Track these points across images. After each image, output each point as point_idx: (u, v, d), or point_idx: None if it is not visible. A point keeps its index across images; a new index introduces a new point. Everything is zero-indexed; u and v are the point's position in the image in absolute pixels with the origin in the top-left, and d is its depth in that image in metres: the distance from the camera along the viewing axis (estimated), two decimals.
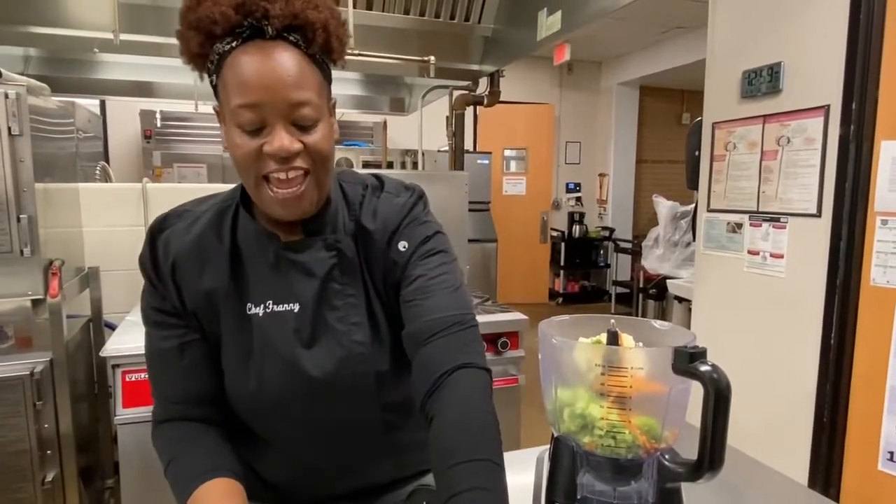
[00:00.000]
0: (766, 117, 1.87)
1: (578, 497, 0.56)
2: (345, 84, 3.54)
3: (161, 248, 0.78)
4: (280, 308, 0.77)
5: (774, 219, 1.86)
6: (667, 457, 0.54)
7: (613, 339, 0.55)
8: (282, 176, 0.69)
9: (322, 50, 0.71)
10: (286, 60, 0.66)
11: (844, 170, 1.64)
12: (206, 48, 0.68)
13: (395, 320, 0.80)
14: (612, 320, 0.56)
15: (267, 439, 0.83)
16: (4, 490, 1.63)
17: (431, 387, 0.70)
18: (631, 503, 0.55)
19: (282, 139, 0.67)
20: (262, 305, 0.77)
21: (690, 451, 0.53)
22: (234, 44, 0.66)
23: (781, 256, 1.84)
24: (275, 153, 0.67)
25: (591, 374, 0.53)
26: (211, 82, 0.72)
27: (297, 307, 0.77)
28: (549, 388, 0.57)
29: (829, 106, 1.67)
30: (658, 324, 0.60)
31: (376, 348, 0.79)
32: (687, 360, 0.49)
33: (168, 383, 0.80)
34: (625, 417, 0.52)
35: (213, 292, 0.77)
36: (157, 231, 0.79)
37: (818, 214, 1.71)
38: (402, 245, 0.79)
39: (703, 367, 0.49)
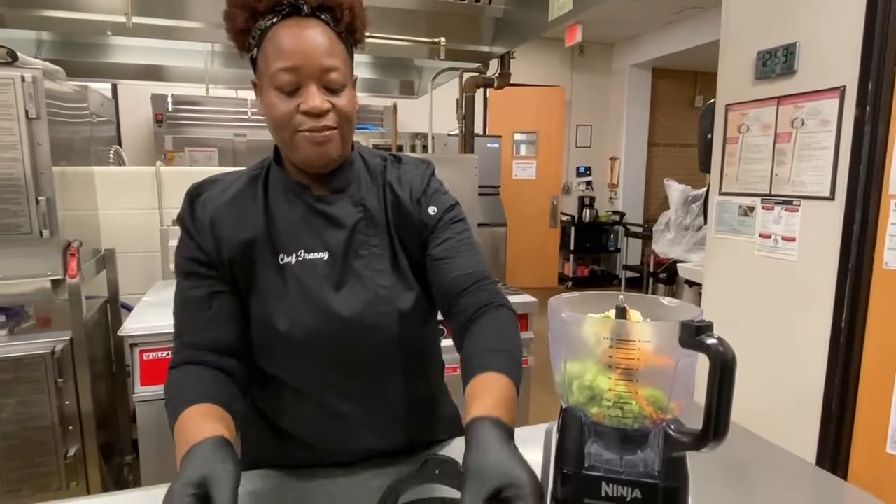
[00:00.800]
0: (780, 99, 1.85)
1: (586, 465, 0.57)
2: (355, 67, 3.53)
3: (200, 207, 0.86)
4: (311, 256, 0.85)
5: (787, 202, 1.85)
6: (672, 427, 0.55)
7: (622, 314, 0.56)
8: (315, 130, 0.80)
9: (347, 29, 0.82)
10: (319, 33, 0.78)
11: (859, 152, 1.62)
12: (249, 24, 0.79)
13: (416, 267, 0.90)
14: (621, 296, 0.57)
15: (292, 386, 0.88)
16: (29, 463, 1.69)
17: (467, 320, 0.82)
18: (637, 471, 0.56)
19: (315, 98, 0.78)
20: (294, 255, 0.85)
21: (697, 426, 0.55)
22: (274, 20, 0.78)
23: (793, 239, 1.83)
24: (309, 110, 0.78)
25: (600, 348, 0.55)
26: (251, 56, 0.82)
27: (326, 255, 0.85)
28: (559, 362, 0.58)
29: (844, 87, 1.65)
30: (666, 300, 0.62)
31: (398, 292, 0.87)
32: (693, 334, 0.50)
33: (192, 329, 0.85)
34: (632, 389, 0.54)
35: (249, 243, 0.84)
36: (195, 194, 0.88)
37: (831, 197, 1.70)
38: (432, 209, 0.90)
39: (710, 340, 0.50)
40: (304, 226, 0.86)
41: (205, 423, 0.71)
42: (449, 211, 0.91)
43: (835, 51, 1.68)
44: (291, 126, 0.79)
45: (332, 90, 0.80)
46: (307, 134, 0.79)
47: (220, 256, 0.84)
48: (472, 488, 0.56)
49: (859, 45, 1.60)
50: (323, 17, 0.80)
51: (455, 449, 0.99)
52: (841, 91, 1.66)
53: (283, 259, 0.85)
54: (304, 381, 0.88)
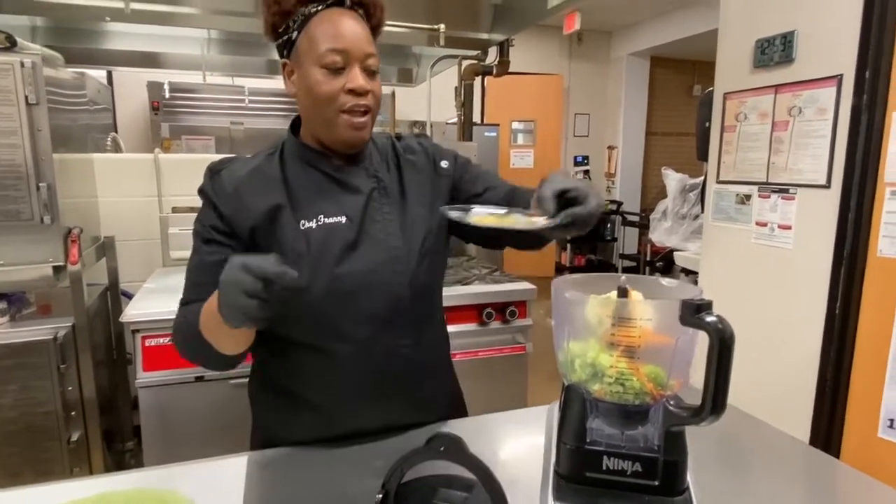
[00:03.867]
0: (777, 87, 1.86)
1: (588, 440, 0.59)
2: None
3: (222, 179, 0.93)
4: (330, 220, 0.93)
5: (783, 190, 1.86)
6: (672, 402, 0.57)
7: (624, 294, 0.58)
8: (356, 109, 0.89)
9: (375, 25, 0.94)
10: (360, 24, 0.91)
11: (855, 140, 1.63)
12: (294, 8, 0.89)
13: (423, 234, 0.99)
14: (623, 277, 0.59)
15: (307, 343, 0.94)
16: (33, 448, 1.70)
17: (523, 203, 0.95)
18: (637, 446, 0.58)
19: (359, 78, 0.88)
20: (314, 220, 0.92)
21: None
22: (319, 7, 0.89)
23: (789, 228, 1.85)
24: (355, 88, 0.88)
25: (602, 327, 0.56)
26: (288, 38, 0.91)
27: (344, 219, 0.93)
28: (562, 341, 0.60)
29: (842, 76, 1.66)
30: (665, 281, 0.63)
31: (410, 255, 0.96)
32: (693, 312, 0.52)
33: (202, 290, 0.88)
34: (633, 366, 0.55)
35: (271, 211, 0.91)
36: (216, 170, 0.96)
37: (827, 185, 1.72)
38: (444, 163, 1.05)
39: (709, 318, 0.52)
40: (323, 193, 0.94)
41: None
42: (457, 159, 1.07)
43: (832, 39, 1.68)
44: (336, 105, 0.88)
45: (369, 73, 0.90)
46: (349, 117, 0.89)
47: (240, 225, 0.91)
48: (546, 188, 0.78)
49: (857, 34, 1.61)
50: (360, 11, 0.91)
51: (459, 428, 1.01)
52: (838, 80, 1.67)
53: (304, 224, 0.92)
54: (318, 336, 0.93)
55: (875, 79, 1.58)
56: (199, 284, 0.91)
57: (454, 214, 0.84)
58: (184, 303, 0.95)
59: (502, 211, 0.86)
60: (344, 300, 0.91)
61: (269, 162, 0.96)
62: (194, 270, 0.94)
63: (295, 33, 0.90)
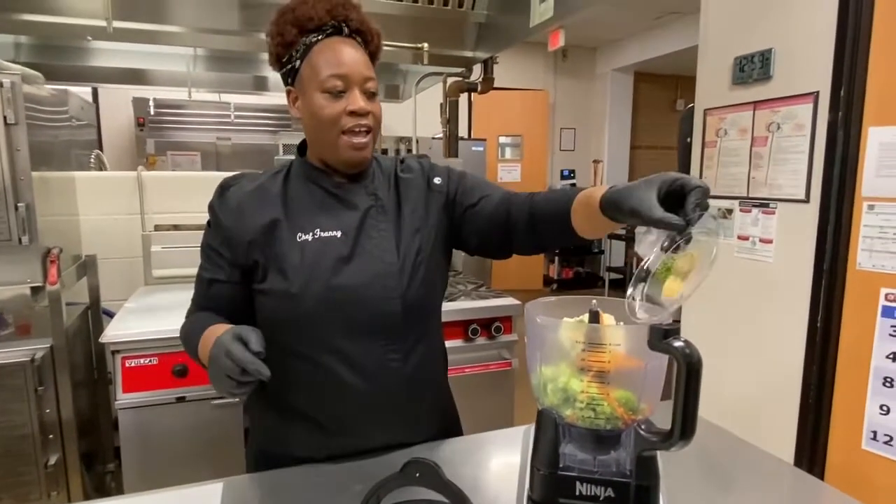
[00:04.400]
0: (756, 104, 1.89)
1: (561, 465, 0.59)
2: None
3: (229, 195, 1.00)
4: (326, 234, 0.97)
5: (764, 204, 1.88)
6: (643, 427, 0.56)
7: (594, 318, 0.58)
8: (357, 129, 0.95)
9: (373, 51, 1.01)
10: (359, 50, 0.97)
11: (833, 155, 1.66)
12: (296, 39, 0.95)
13: (416, 250, 1.01)
14: (594, 301, 0.59)
15: (302, 354, 0.97)
16: (9, 473, 1.66)
17: (529, 208, 0.96)
18: (610, 471, 0.58)
19: (360, 100, 0.94)
20: (311, 233, 0.97)
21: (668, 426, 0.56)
22: (319, 37, 0.95)
23: (770, 241, 1.87)
24: (356, 109, 0.93)
25: (574, 351, 0.56)
26: (292, 66, 0.97)
27: (339, 233, 0.97)
28: (535, 365, 0.60)
29: (818, 92, 1.69)
30: (639, 305, 0.63)
31: (400, 268, 0.99)
32: (661, 337, 0.52)
33: (198, 299, 1.05)
34: (604, 391, 0.55)
35: (269, 226, 0.97)
36: (227, 186, 1.02)
37: (806, 200, 1.74)
38: (437, 180, 1.07)
39: (677, 343, 0.52)
40: (321, 208, 0.99)
41: (223, 326, 0.88)
42: (451, 173, 1.09)
43: (808, 57, 1.72)
44: (338, 126, 0.94)
45: (369, 96, 0.96)
46: (349, 138, 0.94)
47: (240, 238, 0.97)
48: (648, 184, 0.66)
49: (832, 52, 1.64)
50: (358, 39, 0.98)
51: (444, 450, 1.00)
52: (815, 96, 1.70)
53: (300, 237, 0.96)
54: (309, 347, 0.96)
55: (850, 96, 1.61)
56: (199, 296, 1.04)
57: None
58: (189, 311, 1.06)
59: (662, 261, 0.66)
60: (336, 312, 0.94)
61: (273, 180, 1.02)
62: (196, 282, 1.05)
63: (298, 62, 0.96)
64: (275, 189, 1.01)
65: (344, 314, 0.94)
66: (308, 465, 0.95)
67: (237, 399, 0.82)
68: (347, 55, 0.94)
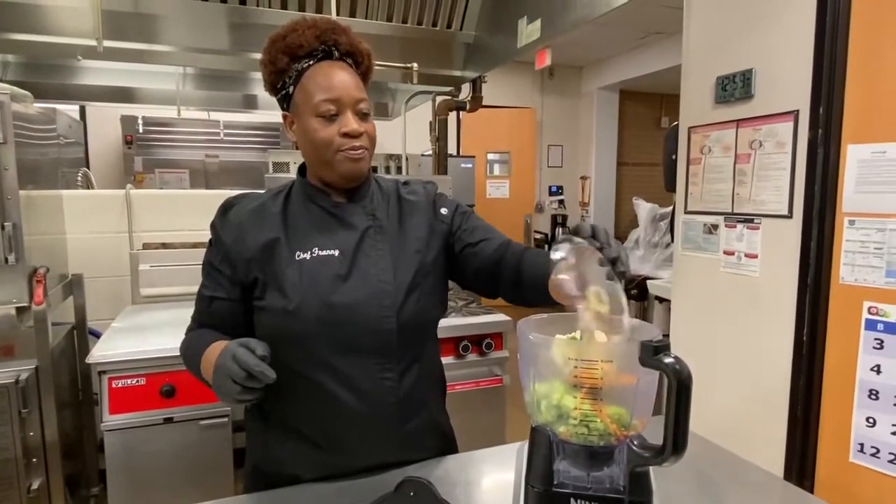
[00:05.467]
0: (739, 122, 1.93)
1: (555, 482, 0.59)
2: None
3: (230, 214, 1.02)
4: (324, 253, 0.98)
5: (748, 220, 1.92)
6: (635, 443, 0.57)
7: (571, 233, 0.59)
8: (353, 149, 0.97)
9: (364, 72, 1.03)
10: (349, 73, 0.99)
11: (813, 172, 1.70)
12: (288, 66, 0.97)
13: (414, 271, 1.03)
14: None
15: (300, 373, 0.97)
16: None
17: (517, 259, 1.00)
18: (604, 487, 0.58)
19: (352, 122, 0.96)
20: (309, 252, 0.98)
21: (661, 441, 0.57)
22: (310, 62, 0.97)
23: (755, 256, 1.90)
24: (349, 132, 0.95)
25: (566, 368, 0.57)
26: (286, 93, 0.99)
27: (337, 252, 0.99)
28: (528, 382, 0.61)
29: (798, 111, 1.73)
30: (627, 321, 0.64)
31: (396, 288, 1.00)
32: (652, 353, 0.53)
33: (199, 315, 1.06)
34: (596, 407, 0.56)
35: (269, 243, 0.99)
36: (229, 205, 1.04)
37: (789, 215, 1.77)
38: (444, 210, 1.10)
39: (667, 359, 0.53)
40: (320, 228, 1.01)
41: (225, 341, 0.87)
42: (458, 208, 1.12)
43: (788, 76, 1.76)
44: (333, 147, 0.96)
45: (361, 116, 0.98)
46: (347, 152, 0.96)
47: (240, 255, 0.99)
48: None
49: (810, 72, 1.69)
50: (348, 61, 1.00)
51: (438, 468, 0.99)
52: (795, 115, 1.74)
53: (298, 256, 0.98)
54: (309, 366, 0.97)
55: (828, 114, 1.66)
56: (199, 313, 1.05)
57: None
58: (189, 328, 1.07)
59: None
60: (332, 330, 0.95)
61: (274, 200, 1.04)
62: (197, 299, 1.06)
63: (291, 87, 0.98)
64: (275, 209, 1.02)
65: (340, 332, 0.95)
66: (301, 485, 0.94)
67: (244, 403, 0.84)
68: (338, 79, 0.96)
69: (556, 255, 0.69)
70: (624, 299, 0.63)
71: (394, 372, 0.99)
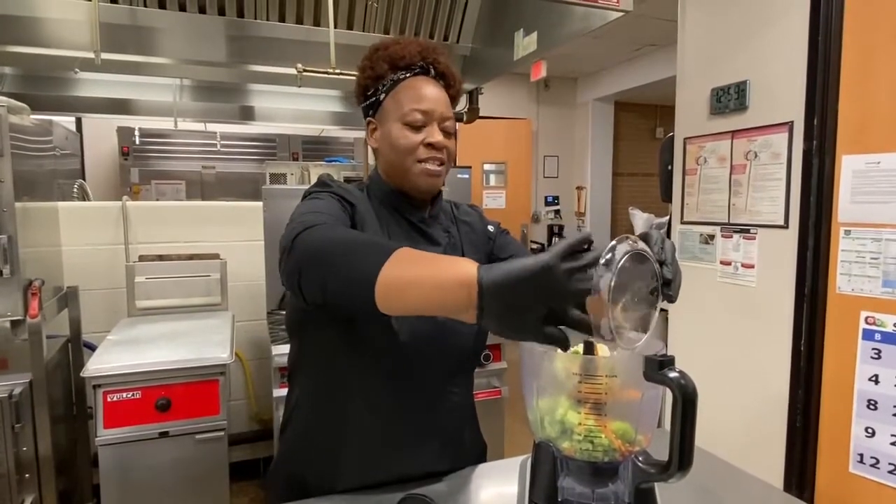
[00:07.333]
0: (734, 133, 1.95)
1: (559, 500, 0.58)
2: (326, 101, 3.56)
3: (349, 188, 1.01)
4: None
5: (745, 230, 1.93)
6: (640, 458, 0.57)
7: (589, 348, 0.58)
8: (433, 160, 0.98)
9: (454, 94, 1.06)
10: (441, 91, 1.02)
11: (809, 183, 1.71)
12: (386, 73, 1.01)
13: None
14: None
15: (374, 383, 0.96)
16: None
17: None
18: None
19: (438, 135, 0.99)
20: None
21: (665, 455, 0.56)
22: (408, 74, 1.01)
23: (752, 266, 1.90)
24: (434, 143, 0.98)
25: (570, 383, 0.56)
26: (376, 99, 1.02)
27: None
28: (531, 398, 0.60)
29: (792, 122, 1.75)
30: (632, 335, 0.64)
31: None
32: (656, 368, 0.52)
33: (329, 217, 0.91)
34: (601, 423, 0.55)
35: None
36: (330, 180, 1.02)
37: (785, 226, 1.78)
38: (490, 227, 1.17)
39: (672, 374, 0.52)
40: (409, 240, 1.02)
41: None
42: (499, 227, 1.19)
43: (782, 88, 1.78)
44: (414, 156, 0.98)
45: (446, 135, 1.00)
46: (426, 166, 0.98)
47: (358, 224, 0.97)
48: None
49: (804, 83, 1.71)
50: (441, 81, 1.03)
51: (439, 483, 0.98)
52: (789, 126, 1.76)
53: None
54: (391, 374, 0.96)
55: (822, 125, 1.67)
56: (325, 213, 0.90)
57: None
58: (311, 224, 0.83)
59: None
60: (422, 345, 0.97)
61: (364, 198, 1.03)
62: (318, 209, 0.90)
63: (383, 95, 1.01)
64: (365, 206, 1.01)
65: (428, 347, 0.97)
66: (307, 499, 0.93)
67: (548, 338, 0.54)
68: (431, 93, 1.00)
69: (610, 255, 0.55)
70: (654, 322, 0.57)
71: (462, 385, 1.06)
